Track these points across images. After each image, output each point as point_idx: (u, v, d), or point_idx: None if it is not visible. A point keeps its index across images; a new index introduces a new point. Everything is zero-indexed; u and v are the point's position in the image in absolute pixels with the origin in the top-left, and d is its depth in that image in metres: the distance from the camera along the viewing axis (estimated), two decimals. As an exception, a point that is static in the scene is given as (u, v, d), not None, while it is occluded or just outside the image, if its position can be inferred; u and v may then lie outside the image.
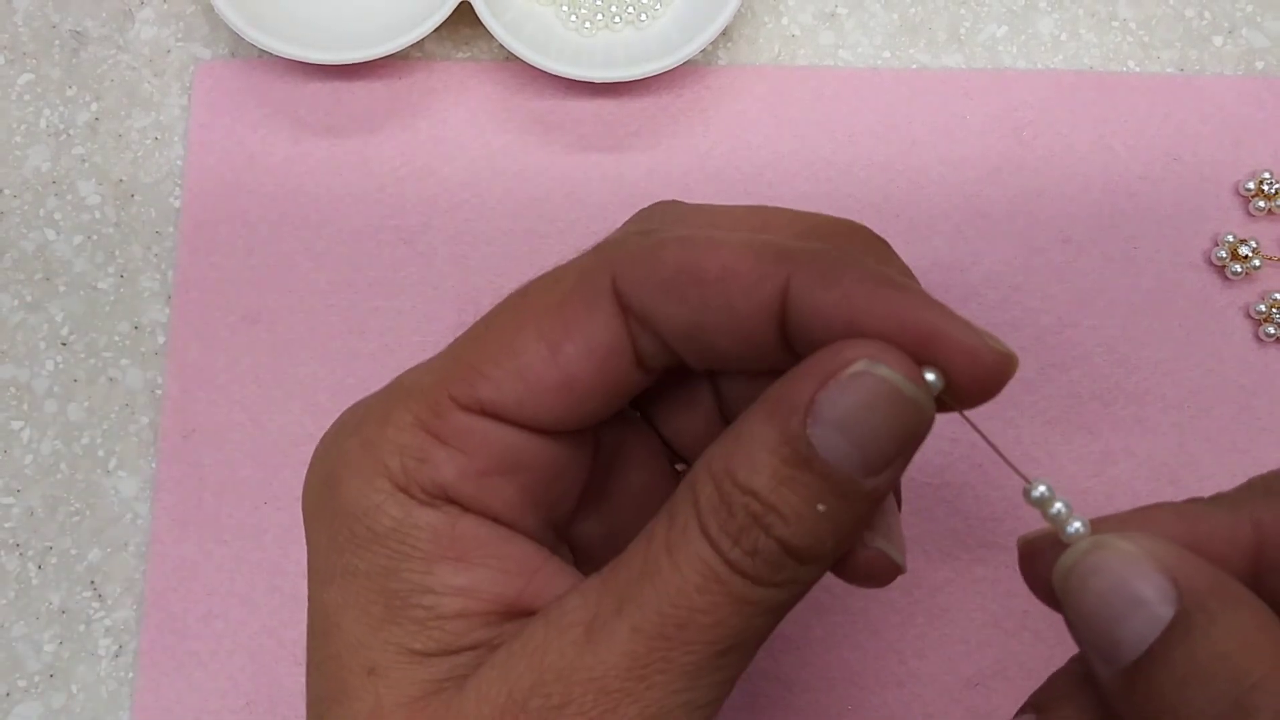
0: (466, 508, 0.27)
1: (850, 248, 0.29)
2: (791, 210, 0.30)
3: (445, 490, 0.27)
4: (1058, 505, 0.26)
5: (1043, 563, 0.27)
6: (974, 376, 0.26)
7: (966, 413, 0.27)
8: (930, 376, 0.25)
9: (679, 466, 0.32)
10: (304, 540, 0.29)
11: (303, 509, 0.29)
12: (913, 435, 0.25)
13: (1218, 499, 0.27)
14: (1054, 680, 0.28)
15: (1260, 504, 0.26)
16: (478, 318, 0.29)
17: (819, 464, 0.24)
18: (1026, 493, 0.26)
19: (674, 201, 0.32)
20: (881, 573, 0.28)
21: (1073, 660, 0.28)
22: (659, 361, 0.28)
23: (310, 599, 0.28)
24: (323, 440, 0.29)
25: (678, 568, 0.25)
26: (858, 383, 0.24)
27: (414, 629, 0.26)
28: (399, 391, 0.28)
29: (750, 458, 0.25)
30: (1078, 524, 0.26)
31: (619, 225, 0.31)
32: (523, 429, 0.27)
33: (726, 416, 0.30)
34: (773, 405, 0.25)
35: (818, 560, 0.25)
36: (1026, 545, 0.28)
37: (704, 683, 0.26)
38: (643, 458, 0.31)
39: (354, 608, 0.27)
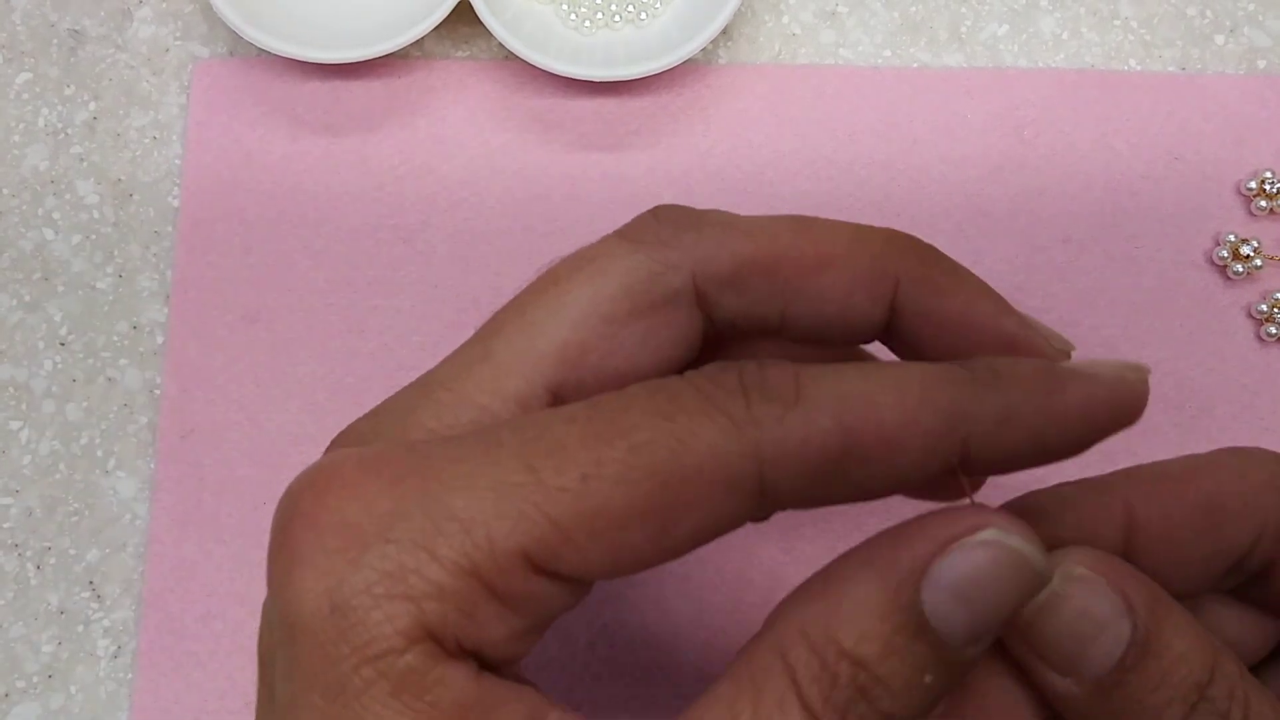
0: (489, 663, 0.24)
1: (939, 270, 0.28)
2: (838, 225, 0.29)
3: (481, 649, 0.23)
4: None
5: None
6: (1129, 415, 0.25)
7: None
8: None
9: None
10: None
11: (282, 605, 0.24)
12: (1023, 602, 0.24)
13: (1088, 483, 0.28)
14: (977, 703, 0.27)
15: (1129, 487, 0.27)
16: (477, 318, 0.27)
17: (931, 634, 0.23)
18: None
19: (685, 209, 0.30)
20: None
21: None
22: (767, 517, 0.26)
23: None
24: (311, 524, 0.24)
25: None
26: (985, 552, 0.23)
27: None
28: (448, 519, 0.23)
29: (857, 623, 0.23)
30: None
31: (626, 222, 0.29)
32: (584, 584, 0.24)
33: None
34: (883, 566, 0.23)
35: None
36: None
37: None
38: None
39: None
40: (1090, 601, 0.25)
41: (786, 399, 0.24)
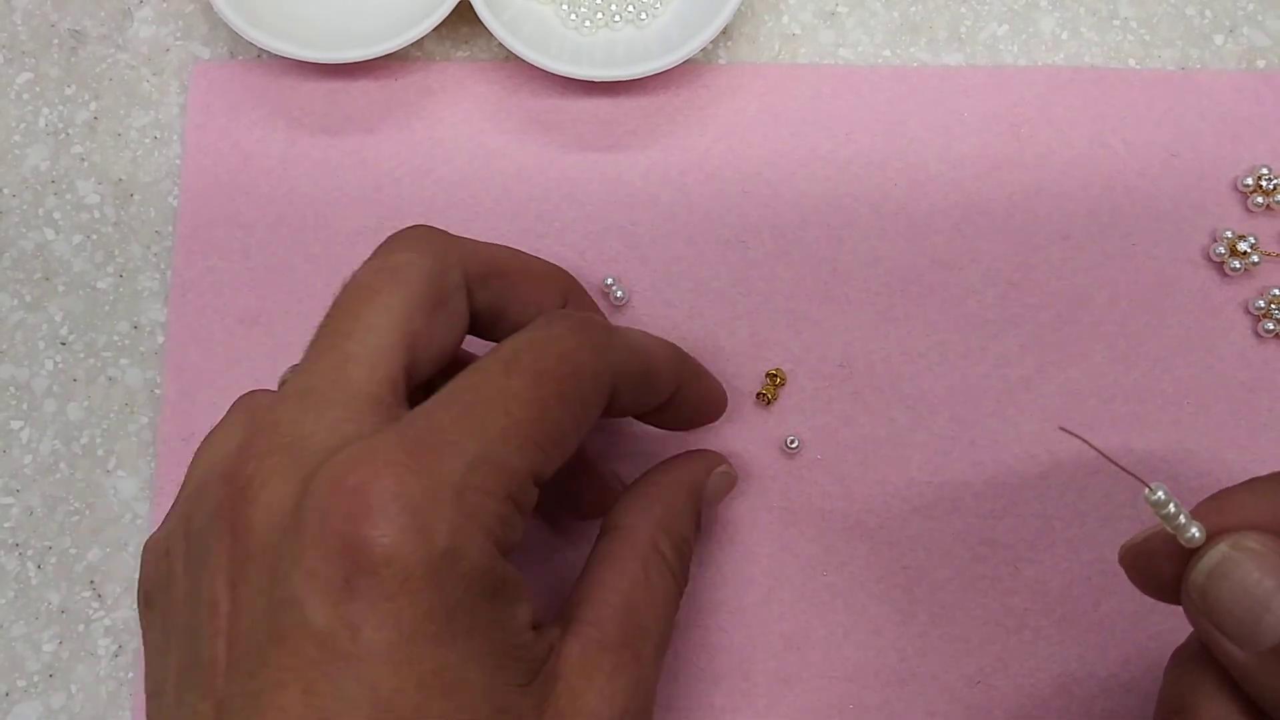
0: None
1: (584, 299, 0.41)
2: (534, 256, 0.40)
3: (508, 547, 0.31)
4: (1172, 507, 0.30)
5: (1154, 563, 0.31)
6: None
7: (1076, 429, 0.31)
8: (1171, 508, 0.30)
9: None
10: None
11: (407, 565, 0.29)
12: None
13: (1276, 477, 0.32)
14: (1182, 680, 0.32)
15: None
16: None
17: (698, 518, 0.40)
18: (1145, 497, 0.30)
19: (436, 228, 0.37)
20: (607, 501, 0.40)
21: (1180, 659, 0.32)
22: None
23: (411, 653, 0.28)
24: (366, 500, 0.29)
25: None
26: (722, 478, 0.42)
27: (519, 668, 0.30)
28: (485, 463, 0.30)
29: (684, 520, 0.39)
30: (1195, 530, 0.30)
31: (387, 239, 0.36)
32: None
33: None
34: (691, 487, 0.40)
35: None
36: (1136, 550, 0.32)
37: None
38: None
39: (477, 662, 0.29)
40: (1259, 572, 0.29)
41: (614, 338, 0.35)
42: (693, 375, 0.40)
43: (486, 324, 0.37)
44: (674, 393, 0.38)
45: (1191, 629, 0.32)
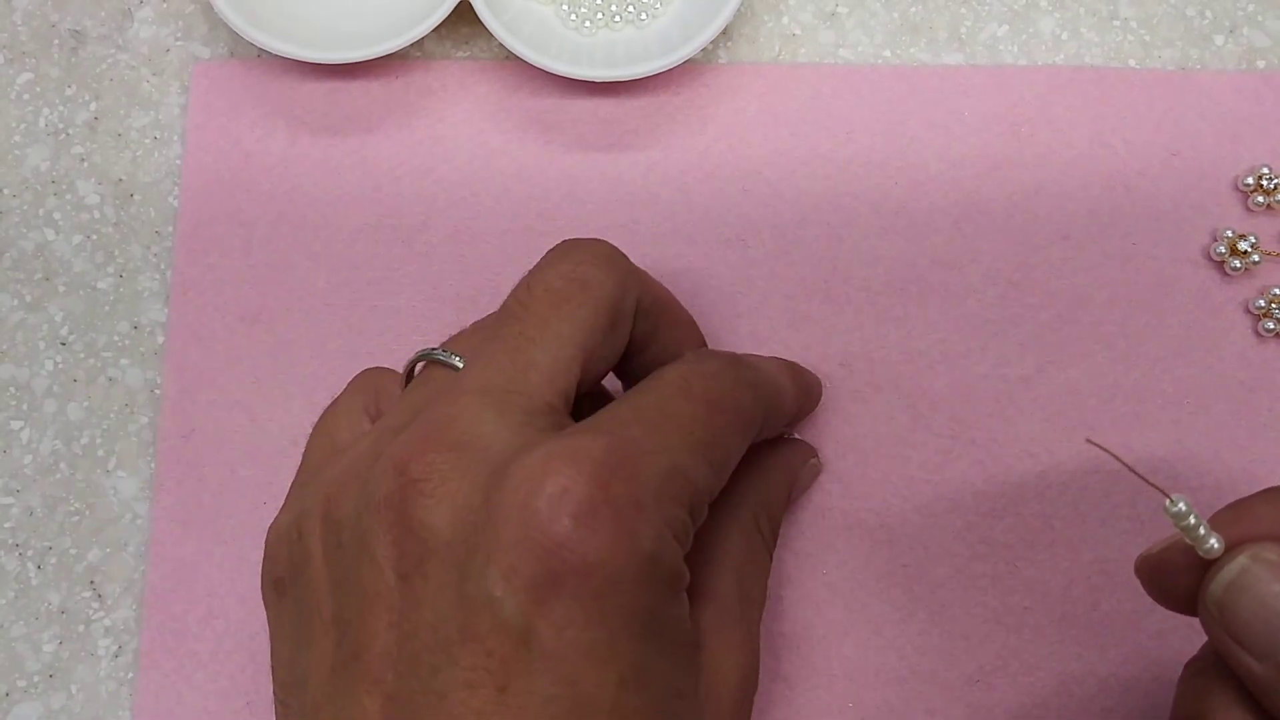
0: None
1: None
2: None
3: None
4: (1193, 520, 0.30)
5: (1171, 575, 0.31)
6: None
7: (1100, 439, 0.31)
8: (1191, 519, 0.30)
9: None
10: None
11: (617, 567, 0.30)
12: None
13: None
14: (1197, 692, 0.32)
15: None
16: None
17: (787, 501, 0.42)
18: (1166, 509, 0.30)
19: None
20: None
21: (1194, 671, 0.32)
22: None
23: (613, 651, 0.30)
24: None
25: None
26: (810, 472, 0.44)
27: (688, 653, 0.33)
28: (677, 474, 0.31)
29: (778, 504, 0.41)
30: (1214, 542, 0.30)
31: (598, 226, 0.39)
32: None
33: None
34: (784, 482, 0.42)
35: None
36: (1153, 561, 0.32)
37: None
38: None
39: (665, 655, 0.31)
40: (1278, 584, 0.29)
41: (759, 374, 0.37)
42: (805, 392, 0.42)
43: (630, 355, 0.38)
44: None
45: (1202, 640, 0.32)
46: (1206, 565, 0.30)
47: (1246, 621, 0.29)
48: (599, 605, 0.29)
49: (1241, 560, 0.29)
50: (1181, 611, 0.32)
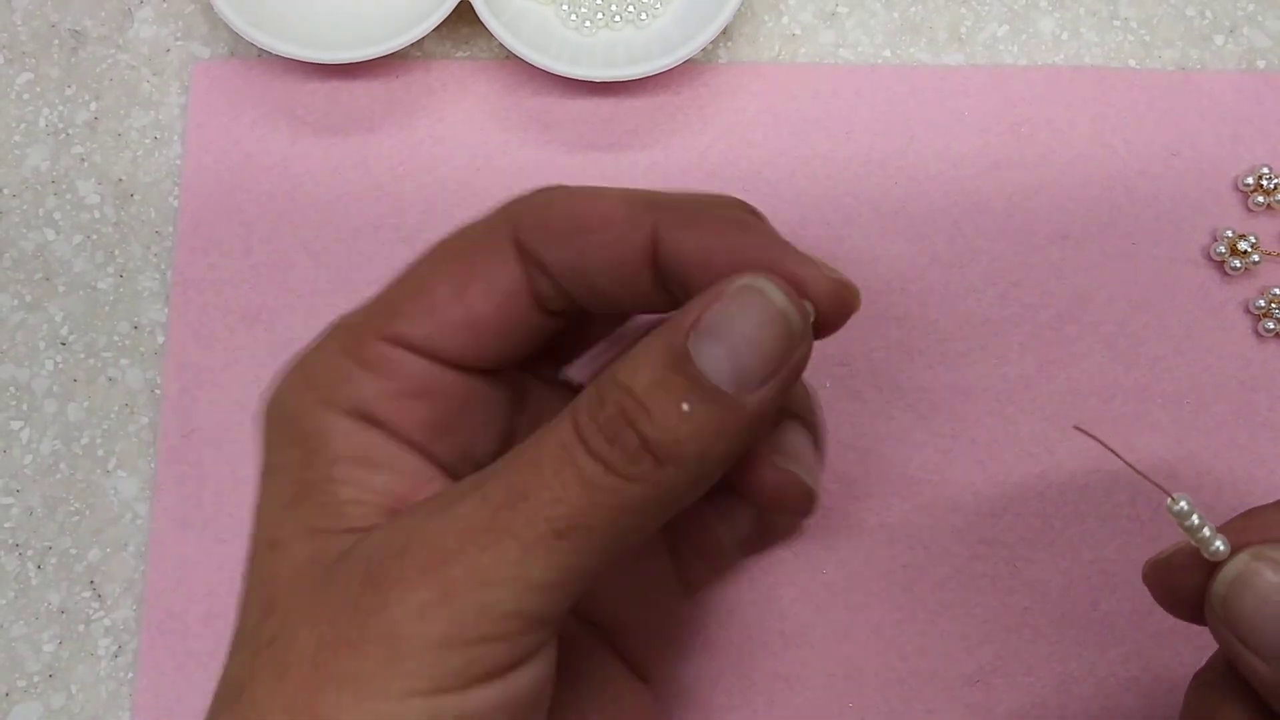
0: (381, 427, 0.30)
1: (718, 207, 0.32)
2: (676, 191, 0.33)
3: (363, 406, 0.30)
4: (1195, 519, 0.29)
5: (1178, 579, 0.31)
6: (833, 310, 0.29)
7: (1098, 435, 0.31)
8: (1195, 519, 0.29)
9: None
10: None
11: (257, 430, 0.31)
12: (785, 351, 0.28)
13: None
14: (1204, 700, 0.31)
15: None
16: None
17: (692, 369, 0.27)
18: (1168, 507, 0.29)
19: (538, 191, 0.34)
20: (794, 498, 0.32)
21: (1202, 681, 0.32)
22: (557, 305, 0.31)
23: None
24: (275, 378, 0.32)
25: (538, 448, 0.27)
26: (739, 298, 0.27)
27: (315, 510, 0.29)
28: (331, 329, 0.32)
29: (633, 364, 0.27)
30: (1219, 544, 0.29)
31: None
32: (434, 360, 0.31)
33: None
34: (664, 324, 0.28)
35: (676, 462, 0.27)
36: (1160, 565, 0.31)
37: (540, 562, 0.26)
38: (541, 393, 0.34)
39: (271, 496, 0.30)
40: None
41: (541, 191, 0.31)
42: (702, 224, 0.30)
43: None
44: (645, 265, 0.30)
45: (1210, 652, 0.31)
46: (1213, 570, 0.30)
47: (1251, 619, 0.28)
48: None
49: (1244, 557, 0.29)
50: (1191, 620, 0.31)
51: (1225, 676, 0.31)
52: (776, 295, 0.28)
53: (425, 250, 0.32)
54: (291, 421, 0.30)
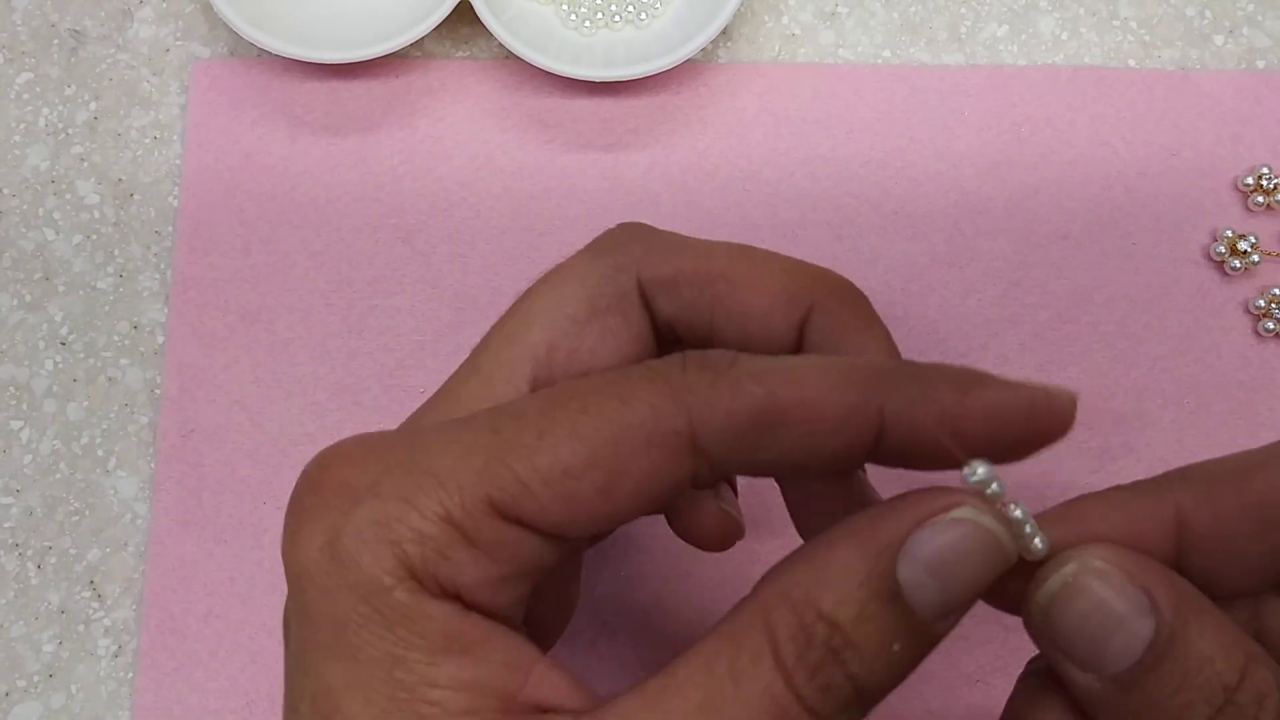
0: (472, 606, 0.26)
1: (845, 309, 0.31)
2: (771, 255, 0.31)
3: (458, 591, 0.26)
4: (1019, 513, 0.26)
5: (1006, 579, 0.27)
6: (1056, 427, 0.26)
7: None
8: (1018, 513, 0.25)
9: None
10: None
11: (290, 563, 0.27)
12: (991, 581, 0.25)
13: (1139, 486, 0.28)
14: (1025, 692, 0.29)
15: (1180, 489, 0.27)
16: (476, 317, 0.29)
17: (904, 605, 0.24)
18: (964, 477, 0.25)
19: (643, 226, 0.32)
20: (727, 532, 0.31)
21: (1029, 671, 0.29)
22: (706, 483, 0.28)
23: (303, 665, 0.26)
24: (315, 489, 0.27)
25: (746, 701, 0.24)
26: (957, 529, 0.25)
27: None
28: (427, 475, 0.26)
29: (836, 588, 0.24)
30: (1039, 542, 0.26)
31: (591, 237, 0.32)
32: (550, 538, 0.27)
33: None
34: (864, 538, 0.25)
35: (873, 704, 0.25)
36: None
37: None
38: None
39: (360, 693, 0.25)
40: (1106, 595, 0.25)
41: (720, 369, 0.26)
42: (918, 386, 0.27)
43: (698, 335, 0.31)
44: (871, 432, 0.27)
45: None
46: (1032, 570, 0.27)
47: (1072, 632, 0.26)
48: (299, 605, 0.27)
49: (1069, 569, 0.26)
50: (1010, 611, 0.28)
51: (1051, 670, 0.28)
52: (996, 528, 0.25)
53: (562, 392, 0.27)
54: (372, 597, 0.26)
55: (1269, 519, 0.27)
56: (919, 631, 0.25)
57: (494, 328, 0.31)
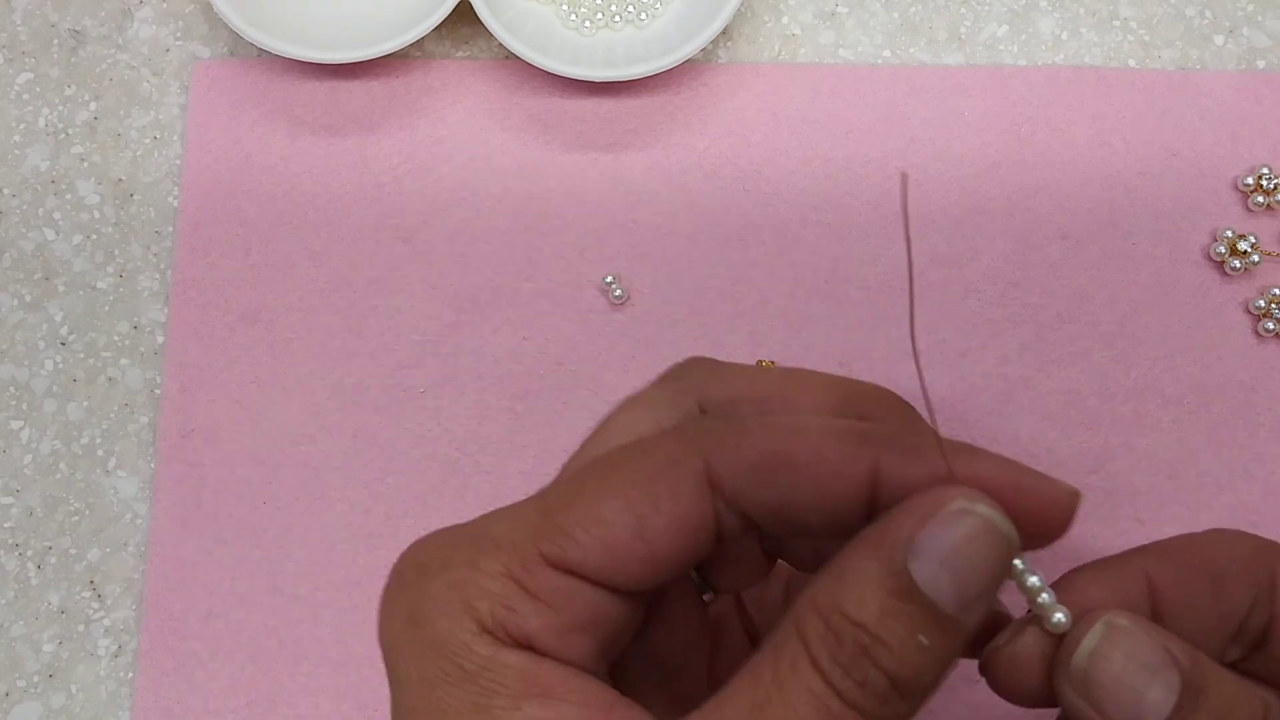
0: (545, 654, 0.28)
1: (892, 417, 0.32)
2: (823, 375, 0.33)
3: (529, 640, 0.28)
4: (1046, 595, 0.28)
5: (1024, 664, 0.29)
6: (1052, 518, 0.28)
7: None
8: (1045, 598, 0.28)
9: (706, 597, 0.33)
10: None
11: (383, 643, 0.29)
12: (1003, 569, 0.27)
13: (1110, 560, 0.30)
14: None
15: (1144, 560, 0.30)
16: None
17: (920, 597, 0.26)
18: (1015, 573, 0.28)
19: (706, 358, 0.34)
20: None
21: None
22: (738, 533, 0.30)
23: None
24: (397, 575, 0.30)
25: (790, 702, 0.26)
26: (957, 520, 0.27)
27: None
28: (487, 540, 0.29)
29: (857, 592, 0.26)
30: (1061, 615, 0.28)
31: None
32: (604, 589, 0.28)
33: (769, 553, 0.33)
34: (875, 542, 0.27)
35: (916, 694, 0.27)
36: (1008, 657, 0.29)
37: None
38: (677, 589, 0.33)
39: None
40: (1138, 647, 0.27)
41: (732, 420, 0.30)
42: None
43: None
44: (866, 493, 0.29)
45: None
46: (1058, 641, 0.29)
47: (1114, 684, 0.28)
48: (393, 672, 0.29)
49: (1098, 628, 0.28)
50: (1030, 704, 0.30)
51: None
52: (995, 515, 0.27)
53: (596, 462, 0.29)
54: (452, 654, 0.28)
55: (1219, 583, 0.29)
56: (943, 624, 0.26)
57: (574, 454, 0.32)
